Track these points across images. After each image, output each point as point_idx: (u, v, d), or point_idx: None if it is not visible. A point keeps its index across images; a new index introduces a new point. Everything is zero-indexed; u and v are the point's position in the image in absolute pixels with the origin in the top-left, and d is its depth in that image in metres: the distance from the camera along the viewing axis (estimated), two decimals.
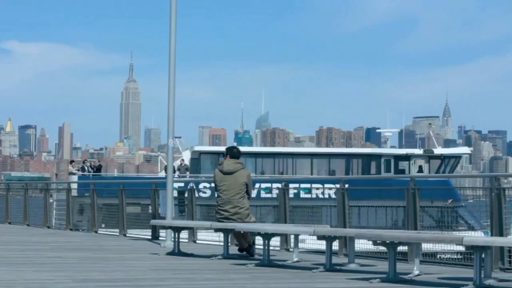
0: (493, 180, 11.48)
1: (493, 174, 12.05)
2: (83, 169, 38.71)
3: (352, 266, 11.46)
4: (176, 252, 13.60)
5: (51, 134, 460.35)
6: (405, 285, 9.46)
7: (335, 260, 11.59)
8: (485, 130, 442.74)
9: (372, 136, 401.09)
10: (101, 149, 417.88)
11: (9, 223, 24.99)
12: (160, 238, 17.26)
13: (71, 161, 40.85)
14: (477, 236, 10.39)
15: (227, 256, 12.88)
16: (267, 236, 11.94)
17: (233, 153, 13.40)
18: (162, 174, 40.35)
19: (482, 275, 9.07)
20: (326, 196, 30.15)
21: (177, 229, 13.89)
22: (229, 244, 13.27)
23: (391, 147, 50.33)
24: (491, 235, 11.19)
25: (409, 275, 10.03)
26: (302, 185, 31.52)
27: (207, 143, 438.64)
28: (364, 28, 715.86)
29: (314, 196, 32.63)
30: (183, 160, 38.85)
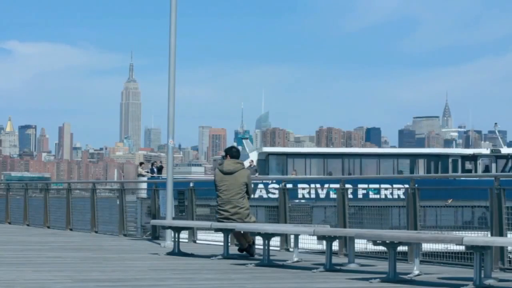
0: (493, 180, 11.49)
1: (493, 174, 12.05)
2: (152, 171, 38.74)
3: (352, 266, 11.47)
4: (176, 252, 13.60)
5: (51, 134, 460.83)
6: (405, 285, 9.46)
7: (335, 260, 11.60)
8: (485, 130, 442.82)
9: (372, 136, 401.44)
10: (101, 149, 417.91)
11: (9, 223, 24.99)
12: (160, 238, 17.28)
13: (141, 163, 40.78)
14: (477, 236, 10.38)
15: (227, 256, 12.88)
16: (267, 236, 11.94)
17: (232, 153, 13.39)
18: None
19: (482, 275, 9.07)
20: (395, 196, 29.40)
21: (177, 229, 13.89)
22: (229, 244, 13.27)
23: (457, 146, 50.18)
24: (491, 235, 11.19)
25: (409, 275, 10.03)
26: (371, 186, 30.76)
27: (207, 143, 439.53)
28: (364, 28, 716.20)
29: (382, 196, 31.91)
30: (252, 161, 38.82)
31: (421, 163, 40.05)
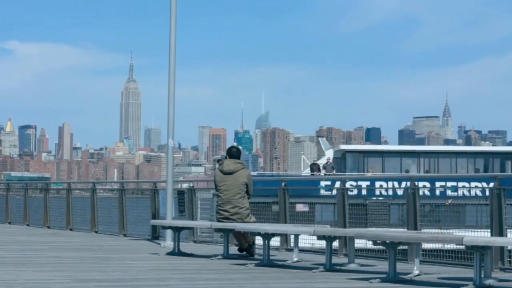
0: (494, 180, 11.49)
1: (493, 174, 12.04)
2: None
3: (352, 266, 11.47)
4: (176, 252, 13.60)
5: (51, 134, 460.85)
6: (405, 285, 9.46)
7: (335, 260, 11.60)
8: (485, 130, 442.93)
9: (372, 136, 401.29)
10: (101, 149, 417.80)
11: (9, 223, 24.99)
12: (160, 238, 17.27)
13: (218, 160, 40.77)
14: (477, 236, 10.38)
15: (227, 256, 12.88)
16: (267, 236, 11.94)
17: (232, 153, 13.39)
18: (305, 172, 40.25)
19: (482, 275, 9.07)
20: (473, 194, 28.94)
21: (177, 229, 13.89)
22: (229, 244, 13.27)
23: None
24: (491, 235, 11.19)
25: (409, 275, 10.02)
26: (449, 183, 30.33)
27: (207, 143, 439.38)
28: (364, 28, 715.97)
29: (460, 194, 31.44)
30: (329, 158, 38.77)
31: (496, 162, 39.73)
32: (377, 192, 29.94)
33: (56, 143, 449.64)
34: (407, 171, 38.54)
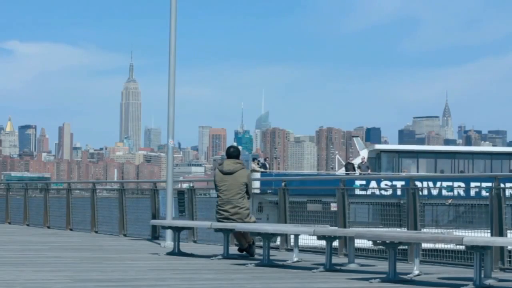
0: (493, 180, 11.48)
1: (493, 174, 12.03)
2: (264, 166, 38.65)
3: (352, 266, 11.47)
4: (176, 252, 13.60)
5: (51, 134, 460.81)
6: (405, 285, 9.46)
7: (335, 260, 11.60)
8: (485, 130, 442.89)
9: (372, 136, 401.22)
10: (101, 149, 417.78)
11: (9, 223, 24.99)
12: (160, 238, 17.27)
13: (254, 159, 40.77)
14: (477, 236, 10.38)
15: (227, 256, 12.87)
16: (267, 236, 11.94)
17: (230, 152, 13.38)
18: (340, 172, 40.14)
19: (482, 275, 9.07)
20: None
21: (177, 229, 13.89)
22: (229, 244, 13.26)
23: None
24: (491, 235, 11.19)
25: (409, 275, 10.03)
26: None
27: (207, 143, 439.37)
28: (365, 29, 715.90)
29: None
30: (363, 158, 38.75)
31: None
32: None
33: (56, 143, 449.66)
34: (442, 172, 38.42)
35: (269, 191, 28.83)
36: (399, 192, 23.77)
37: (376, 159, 39.69)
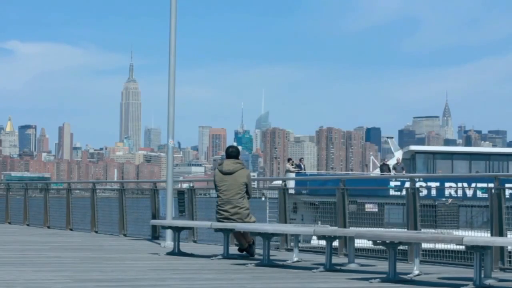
0: (494, 180, 11.49)
1: (493, 174, 12.03)
2: (299, 167, 38.66)
3: (352, 266, 11.47)
4: (176, 252, 13.60)
5: (51, 134, 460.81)
6: (405, 285, 9.46)
7: (335, 260, 11.60)
8: (485, 130, 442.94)
9: (372, 136, 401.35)
10: (101, 149, 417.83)
11: (9, 223, 24.98)
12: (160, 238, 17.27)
13: (289, 159, 40.81)
14: (477, 236, 10.37)
15: (227, 256, 12.88)
16: (267, 236, 11.94)
17: (229, 152, 13.38)
18: (375, 173, 40.03)
19: (482, 275, 9.07)
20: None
21: (177, 229, 13.89)
22: (229, 244, 13.27)
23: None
24: (491, 235, 11.19)
25: (409, 275, 10.03)
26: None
27: (207, 143, 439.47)
28: (364, 29, 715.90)
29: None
30: (399, 159, 38.74)
31: None
32: (447, 193, 29.62)
33: (56, 143, 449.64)
34: (477, 173, 38.29)
35: (303, 192, 28.67)
36: (433, 193, 23.54)
37: (410, 160, 39.60)
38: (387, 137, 46.53)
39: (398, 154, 39.76)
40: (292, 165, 38.54)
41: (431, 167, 38.89)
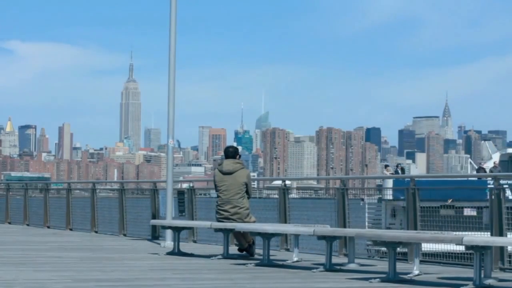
0: (494, 180, 11.49)
1: (493, 174, 12.02)
2: (396, 173, 38.65)
3: (352, 266, 11.47)
4: (176, 252, 13.60)
5: (51, 134, 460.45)
6: (405, 285, 9.47)
7: (335, 260, 11.60)
8: (485, 130, 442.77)
9: (372, 136, 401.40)
10: (101, 149, 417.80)
11: (9, 223, 24.98)
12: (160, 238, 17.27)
13: (386, 165, 41.04)
14: (477, 236, 10.38)
15: (227, 256, 12.88)
16: (267, 236, 11.94)
17: (228, 152, 13.39)
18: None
19: (482, 275, 9.08)
20: None
21: (177, 229, 13.89)
22: (229, 244, 13.27)
23: None
24: (491, 235, 11.19)
25: (409, 275, 10.03)
26: None
27: (207, 143, 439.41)
28: (365, 29, 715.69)
29: None
30: (496, 162, 38.56)
31: None
32: None
33: (56, 143, 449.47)
34: None
35: (401, 198, 28.28)
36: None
37: (508, 162, 39.39)
38: (484, 140, 46.03)
39: (496, 157, 39.47)
40: (389, 171, 38.54)
41: None
